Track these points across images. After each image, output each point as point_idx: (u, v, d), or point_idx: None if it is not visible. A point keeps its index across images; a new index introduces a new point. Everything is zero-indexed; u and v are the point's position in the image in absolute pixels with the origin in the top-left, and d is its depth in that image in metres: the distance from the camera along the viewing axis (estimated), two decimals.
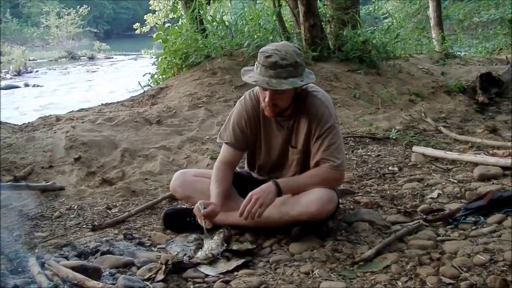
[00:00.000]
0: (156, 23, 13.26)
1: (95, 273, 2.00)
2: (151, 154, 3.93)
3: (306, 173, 2.43)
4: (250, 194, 2.30)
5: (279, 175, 2.53)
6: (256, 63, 2.34)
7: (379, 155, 3.88)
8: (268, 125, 2.52)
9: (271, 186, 2.33)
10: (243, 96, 2.59)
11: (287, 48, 2.32)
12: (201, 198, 2.54)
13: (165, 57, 6.33)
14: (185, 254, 2.26)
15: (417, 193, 2.98)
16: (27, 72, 20.86)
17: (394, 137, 4.27)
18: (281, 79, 2.25)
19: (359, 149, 4.08)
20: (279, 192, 2.32)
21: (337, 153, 2.39)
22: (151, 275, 2.06)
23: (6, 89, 15.53)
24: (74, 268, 1.98)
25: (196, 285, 2.04)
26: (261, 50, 2.34)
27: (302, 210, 2.31)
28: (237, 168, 3.43)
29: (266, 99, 2.33)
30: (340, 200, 2.63)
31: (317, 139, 2.40)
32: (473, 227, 2.40)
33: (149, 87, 6.31)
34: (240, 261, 2.19)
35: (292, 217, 2.34)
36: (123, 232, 2.63)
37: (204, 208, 2.33)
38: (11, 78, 19.03)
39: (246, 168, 2.79)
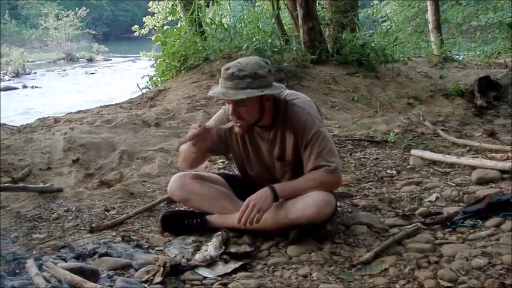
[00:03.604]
0: (155, 26, 13.28)
1: (92, 275, 2.00)
2: (150, 156, 3.92)
3: (303, 177, 2.40)
4: (247, 200, 2.30)
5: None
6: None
7: (377, 158, 3.87)
8: (251, 136, 2.51)
9: (267, 191, 2.31)
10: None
11: (249, 60, 2.32)
12: (199, 201, 2.54)
13: (164, 60, 6.34)
14: (183, 256, 2.26)
15: (415, 196, 2.98)
16: (25, 74, 20.90)
17: (392, 140, 4.27)
18: (238, 90, 2.24)
19: (357, 152, 4.08)
20: (276, 197, 2.31)
21: (329, 157, 2.36)
22: (149, 277, 2.05)
23: (4, 91, 15.54)
24: (72, 270, 1.98)
25: (194, 287, 2.04)
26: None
27: (299, 214, 2.30)
28: (234, 170, 3.44)
29: (230, 112, 2.35)
30: (338, 203, 2.62)
31: (306, 147, 2.37)
32: (472, 231, 2.40)
33: (148, 89, 6.31)
34: (238, 264, 2.19)
35: (289, 220, 2.33)
36: (121, 234, 2.62)
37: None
38: (9, 80, 19.06)
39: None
